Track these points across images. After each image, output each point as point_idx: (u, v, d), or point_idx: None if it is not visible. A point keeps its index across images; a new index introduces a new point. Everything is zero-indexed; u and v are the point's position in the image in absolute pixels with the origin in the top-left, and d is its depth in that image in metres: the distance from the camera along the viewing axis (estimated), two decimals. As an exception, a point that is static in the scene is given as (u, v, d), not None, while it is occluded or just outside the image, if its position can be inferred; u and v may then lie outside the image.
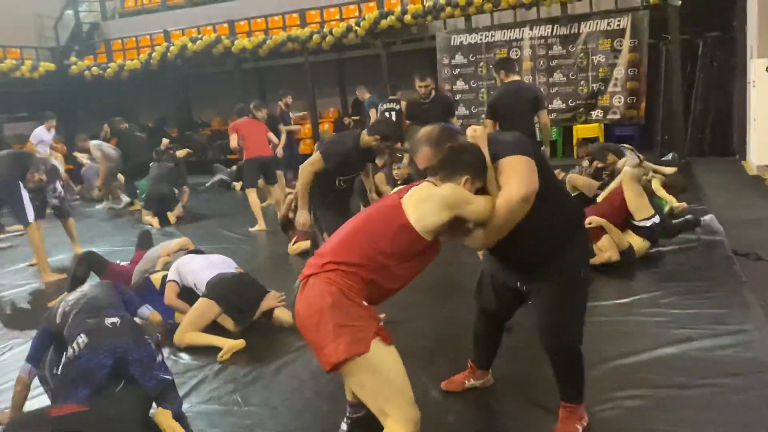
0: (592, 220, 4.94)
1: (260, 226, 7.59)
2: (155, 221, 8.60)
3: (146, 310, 3.76)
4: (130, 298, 3.70)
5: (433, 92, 6.51)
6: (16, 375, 3.30)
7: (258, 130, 7.96)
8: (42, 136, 11.00)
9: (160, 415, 2.99)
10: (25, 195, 6.23)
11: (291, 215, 6.40)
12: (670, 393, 2.99)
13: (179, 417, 3.06)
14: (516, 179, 2.39)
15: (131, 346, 3.00)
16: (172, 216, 8.75)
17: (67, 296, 3.48)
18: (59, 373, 3.02)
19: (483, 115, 7.29)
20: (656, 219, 5.07)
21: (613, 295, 4.35)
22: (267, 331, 4.29)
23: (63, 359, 3.02)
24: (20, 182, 6.21)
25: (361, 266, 2.32)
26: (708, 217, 5.70)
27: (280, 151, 9.00)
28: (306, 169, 4.21)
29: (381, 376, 2.25)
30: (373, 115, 9.19)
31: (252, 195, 7.73)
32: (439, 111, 6.15)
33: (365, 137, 4.21)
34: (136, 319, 3.59)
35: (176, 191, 9.16)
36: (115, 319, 3.10)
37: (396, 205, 2.41)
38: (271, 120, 8.98)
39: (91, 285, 3.60)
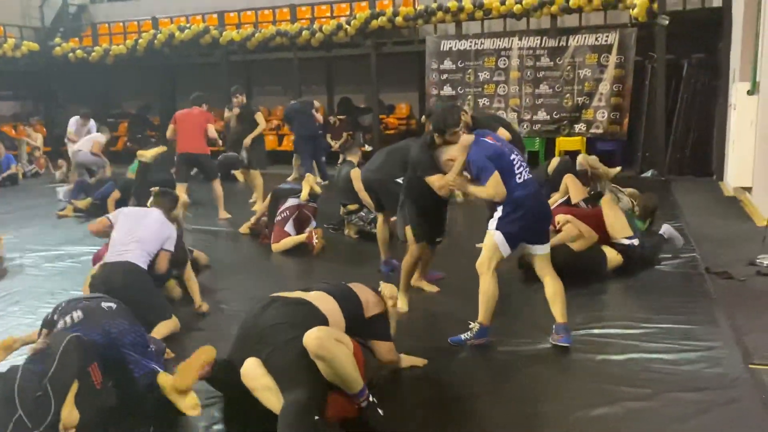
0: (559, 218, 5.04)
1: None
2: None
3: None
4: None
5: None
6: None
7: (192, 123, 7.62)
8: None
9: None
10: None
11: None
12: (636, 405, 3.01)
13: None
14: None
15: (126, 330, 2.98)
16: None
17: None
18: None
19: None
20: (635, 242, 5.12)
21: (584, 306, 4.37)
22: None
23: (53, 330, 2.96)
24: None
25: None
26: (664, 229, 5.70)
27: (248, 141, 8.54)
28: None
29: None
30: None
31: (179, 190, 7.30)
32: None
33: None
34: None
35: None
36: (112, 304, 3.08)
37: None
38: (247, 109, 8.76)
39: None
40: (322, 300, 3.10)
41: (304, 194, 6.51)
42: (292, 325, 2.86)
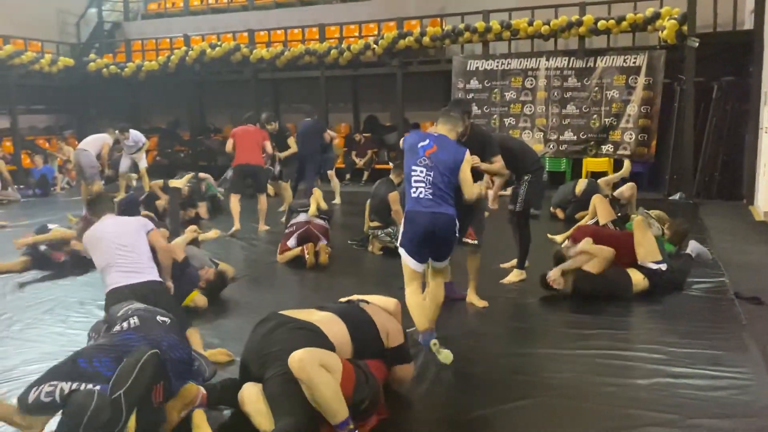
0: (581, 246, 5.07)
1: (235, 227, 7.67)
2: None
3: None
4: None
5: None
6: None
7: (251, 138, 7.95)
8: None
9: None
10: None
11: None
12: (661, 431, 2.95)
13: None
14: None
15: (177, 345, 3.03)
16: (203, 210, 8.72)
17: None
18: (97, 339, 3.08)
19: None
20: (663, 267, 5.04)
21: (610, 327, 4.32)
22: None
23: (109, 330, 3.08)
24: None
25: None
26: (692, 246, 5.61)
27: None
28: None
29: None
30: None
31: (233, 199, 7.84)
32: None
33: None
34: None
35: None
36: (166, 319, 3.16)
37: None
38: (281, 133, 9.07)
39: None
40: (330, 324, 3.10)
41: (312, 209, 6.65)
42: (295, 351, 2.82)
